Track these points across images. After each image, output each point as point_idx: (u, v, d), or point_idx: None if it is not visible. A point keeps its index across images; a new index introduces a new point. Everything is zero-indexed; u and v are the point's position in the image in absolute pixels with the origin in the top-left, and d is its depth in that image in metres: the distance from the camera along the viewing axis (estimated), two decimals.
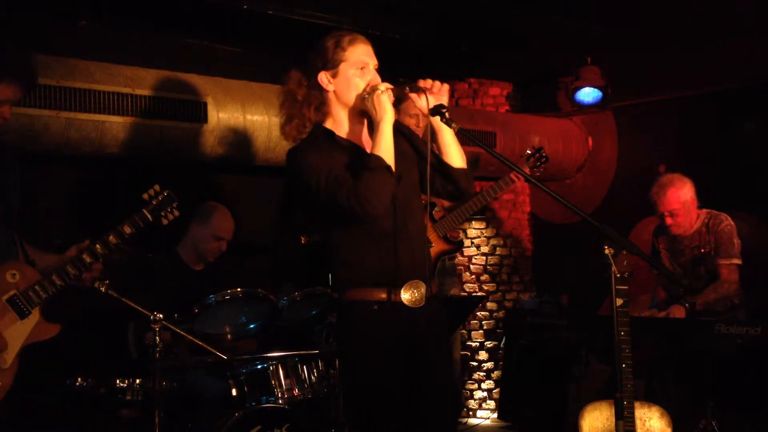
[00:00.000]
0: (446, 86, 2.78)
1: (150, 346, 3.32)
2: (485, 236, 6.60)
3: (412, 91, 2.77)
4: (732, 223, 4.44)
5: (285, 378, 3.88)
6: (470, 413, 6.43)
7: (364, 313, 2.68)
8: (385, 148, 2.65)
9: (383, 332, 2.67)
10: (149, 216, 3.02)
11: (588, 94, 6.01)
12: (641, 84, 6.05)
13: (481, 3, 4.81)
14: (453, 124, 2.73)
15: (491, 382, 6.45)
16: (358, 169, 2.62)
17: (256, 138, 4.72)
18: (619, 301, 2.79)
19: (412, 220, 2.76)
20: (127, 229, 2.98)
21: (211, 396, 3.87)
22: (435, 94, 2.74)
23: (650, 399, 3.43)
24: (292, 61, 2.84)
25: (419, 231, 2.80)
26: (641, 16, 4.99)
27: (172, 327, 3.45)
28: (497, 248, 6.62)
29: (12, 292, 2.81)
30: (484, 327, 6.51)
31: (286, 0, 4.49)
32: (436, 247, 4.53)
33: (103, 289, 3.21)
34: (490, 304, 6.52)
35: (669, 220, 4.47)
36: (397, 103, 2.75)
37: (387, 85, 2.70)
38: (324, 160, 2.66)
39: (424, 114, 4.35)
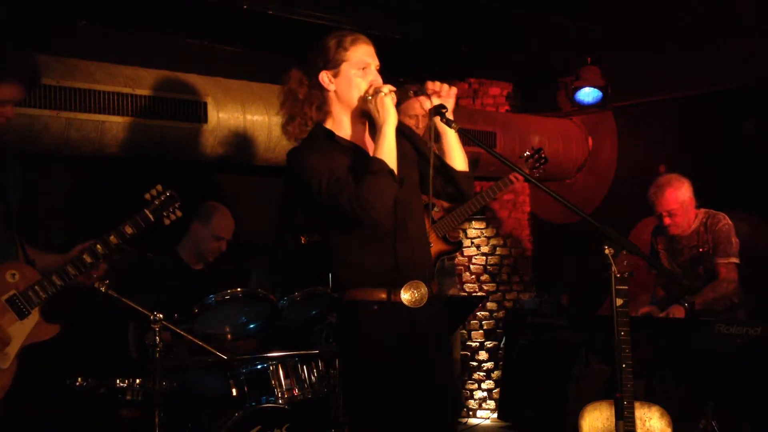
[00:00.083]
0: (454, 89, 2.78)
1: (150, 346, 3.32)
2: (485, 236, 6.60)
3: (417, 94, 2.76)
4: (730, 222, 4.45)
5: (285, 378, 3.88)
6: (470, 413, 6.44)
7: (364, 313, 2.68)
8: (388, 151, 2.64)
9: (383, 332, 2.66)
10: (151, 216, 3.01)
11: (588, 94, 6.01)
12: (641, 84, 6.05)
13: (481, 3, 4.81)
14: (453, 125, 2.73)
15: (491, 382, 6.45)
16: (360, 172, 2.61)
17: (256, 138, 4.72)
18: (619, 301, 2.79)
19: (413, 221, 2.76)
20: (129, 230, 2.97)
21: (211, 396, 3.87)
22: (443, 97, 2.74)
23: (650, 399, 3.43)
24: (292, 61, 2.84)
25: (419, 231, 2.80)
26: (641, 16, 4.99)
27: (172, 327, 3.45)
28: (497, 248, 6.62)
29: (11, 292, 2.80)
30: (484, 327, 6.51)
31: (286, 0, 4.49)
32: (435, 247, 4.53)
33: (103, 289, 3.21)
34: (490, 304, 6.52)
35: (667, 220, 4.47)
36: (397, 104, 2.75)
37: (390, 87, 2.69)
38: (325, 162, 2.65)
39: (424, 115, 4.40)
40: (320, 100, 2.77)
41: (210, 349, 3.59)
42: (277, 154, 4.80)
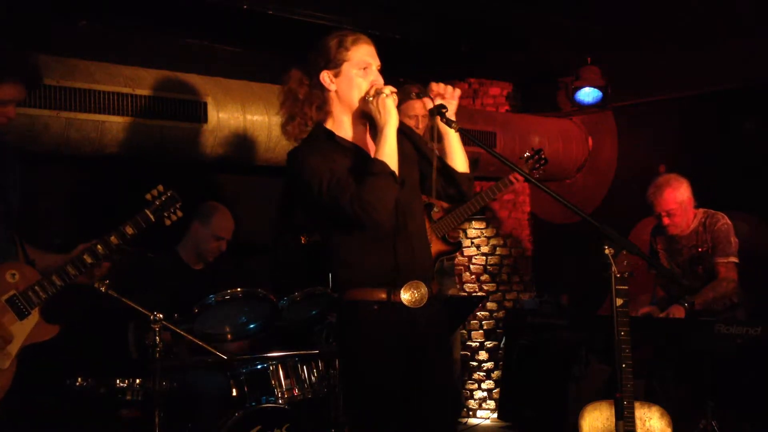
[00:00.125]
0: (458, 91, 2.78)
1: (150, 346, 3.32)
2: (485, 236, 6.60)
3: (419, 96, 2.76)
4: (729, 222, 4.45)
5: (285, 378, 3.88)
6: (470, 413, 6.44)
7: (364, 313, 2.68)
8: (389, 153, 2.63)
9: (383, 332, 2.66)
10: (152, 216, 3.01)
11: (588, 94, 6.01)
12: (641, 84, 6.05)
13: (481, 3, 4.81)
14: (453, 125, 2.73)
15: (491, 382, 6.45)
16: (361, 174, 2.61)
17: (256, 138, 4.72)
18: (619, 301, 2.79)
19: (413, 221, 2.76)
20: (129, 230, 2.97)
21: (211, 396, 3.87)
22: (447, 99, 2.74)
23: (650, 399, 3.44)
24: (292, 61, 2.83)
25: (420, 231, 2.80)
26: (641, 16, 4.99)
27: (172, 327, 3.45)
28: (497, 248, 6.62)
29: (11, 293, 2.80)
30: (484, 327, 6.51)
31: (286, 0, 4.49)
32: (435, 247, 4.52)
33: (103, 289, 3.21)
34: (490, 304, 6.52)
35: (666, 220, 4.48)
36: (398, 104, 2.74)
37: (391, 88, 2.68)
38: (326, 163, 2.64)
39: (424, 115, 4.40)
40: (321, 100, 2.75)
41: (210, 349, 3.59)
42: (277, 154, 4.80)
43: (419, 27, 5.11)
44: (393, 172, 2.62)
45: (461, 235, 6.46)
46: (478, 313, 6.47)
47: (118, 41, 4.72)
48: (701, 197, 4.56)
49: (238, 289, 3.78)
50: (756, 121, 5.56)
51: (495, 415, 6.30)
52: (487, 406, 6.44)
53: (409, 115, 4.24)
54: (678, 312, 4.27)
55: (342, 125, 2.78)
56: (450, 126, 2.73)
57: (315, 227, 2.90)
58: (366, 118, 2.78)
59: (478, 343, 6.49)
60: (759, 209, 5.42)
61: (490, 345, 6.48)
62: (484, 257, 6.58)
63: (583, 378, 4.89)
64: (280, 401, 3.82)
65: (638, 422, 2.99)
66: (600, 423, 3.08)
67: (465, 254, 6.55)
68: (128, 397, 3.65)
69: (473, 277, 6.55)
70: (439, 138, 2.81)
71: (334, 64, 2.71)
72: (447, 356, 2.98)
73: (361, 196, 2.56)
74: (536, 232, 6.83)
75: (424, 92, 2.76)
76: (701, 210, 4.51)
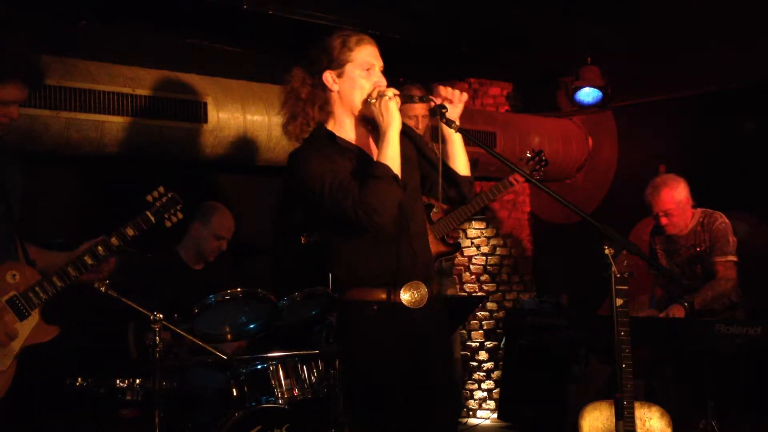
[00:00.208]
0: (465, 95, 2.77)
1: (150, 346, 3.32)
2: (485, 236, 6.60)
3: (422, 100, 2.76)
4: (727, 221, 4.45)
5: (285, 378, 3.88)
6: (470, 413, 6.44)
7: (364, 313, 2.68)
8: (392, 156, 2.62)
9: (383, 332, 2.66)
10: (152, 218, 3.01)
11: (588, 94, 6.01)
12: (641, 84, 6.05)
13: (482, 3, 4.80)
14: (454, 125, 2.72)
15: (491, 382, 6.45)
16: (364, 177, 2.60)
17: (256, 138, 4.72)
18: (619, 301, 2.79)
19: (414, 222, 2.75)
20: (130, 231, 2.97)
21: (211, 396, 3.87)
22: (454, 104, 2.74)
23: (650, 399, 3.43)
24: (292, 61, 2.82)
25: (421, 232, 2.80)
26: (641, 16, 4.98)
27: (172, 327, 3.45)
28: (497, 248, 6.62)
29: (12, 293, 2.80)
30: (484, 327, 6.51)
31: (286, 0, 4.49)
32: (434, 248, 4.50)
33: (103, 289, 3.21)
34: (490, 304, 6.52)
35: (664, 220, 4.48)
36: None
37: (394, 90, 2.67)
38: (327, 165, 2.63)
39: (424, 115, 4.40)
40: (323, 100, 2.74)
41: (210, 349, 3.59)
42: (277, 154, 4.80)
43: (419, 27, 5.11)
44: (396, 176, 2.61)
45: (461, 235, 6.47)
46: (478, 313, 6.47)
47: (118, 41, 4.72)
48: (701, 197, 4.56)
49: (238, 289, 3.78)
50: (756, 121, 5.57)
51: (495, 415, 6.30)
52: (487, 406, 6.44)
53: (409, 116, 4.24)
54: (678, 312, 4.27)
55: (343, 126, 2.77)
56: (450, 126, 2.73)
57: (315, 228, 2.90)
58: (368, 120, 2.76)
59: (478, 343, 6.49)
60: (759, 209, 5.42)
61: (490, 345, 6.48)
62: (484, 257, 6.58)
63: (583, 378, 4.89)
64: (280, 401, 3.82)
65: (638, 422, 2.99)
66: (600, 423, 3.08)
67: (465, 254, 6.55)
68: (128, 397, 3.65)
69: (473, 277, 6.55)
70: (443, 140, 2.81)
71: (338, 64, 2.69)
72: (447, 356, 2.98)
73: (364, 200, 2.55)
74: (536, 232, 6.83)
75: (426, 97, 2.75)
76: (699, 210, 4.52)
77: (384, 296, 2.67)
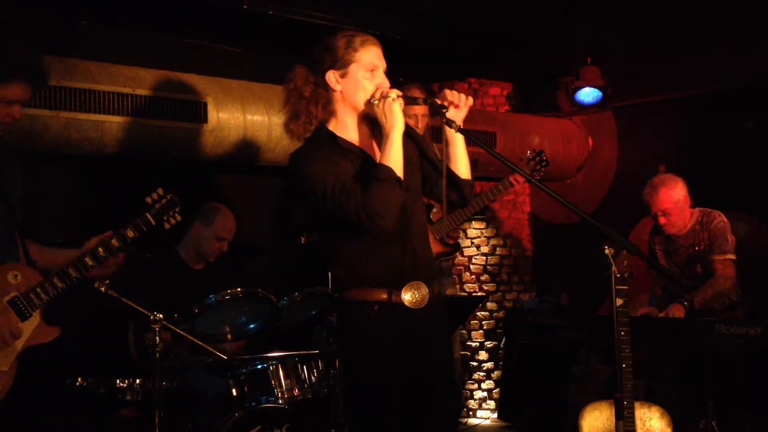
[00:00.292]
0: (470, 100, 2.76)
1: (150, 346, 3.33)
2: (485, 236, 6.60)
3: (425, 102, 2.76)
4: (725, 219, 4.46)
5: (285, 378, 3.88)
6: (470, 413, 6.44)
7: (364, 313, 2.67)
8: (395, 158, 2.62)
9: (383, 332, 2.66)
10: (152, 220, 3.02)
11: (588, 94, 6.01)
12: (641, 84, 6.05)
13: (482, 3, 4.80)
14: (454, 125, 2.72)
15: (491, 382, 6.45)
16: (367, 179, 2.60)
17: (256, 138, 4.72)
18: (619, 301, 2.79)
19: (415, 223, 2.75)
20: (130, 233, 2.98)
21: (211, 396, 3.87)
22: (459, 108, 2.73)
23: (650, 399, 3.43)
24: (292, 61, 2.82)
25: (422, 233, 2.80)
26: (641, 16, 4.98)
27: (172, 327, 3.45)
28: (497, 248, 6.62)
29: (13, 294, 2.79)
30: (484, 327, 6.51)
31: (286, 0, 4.48)
32: (433, 248, 4.52)
33: (103, 289, 3.21)
34: (490, 304, 6.52)
35: (662, 220, 4.48)
36: None
37: (397, 92, 2.66)
38: (330, 167, 2.62)
39: (423, 115, 4.40)
40: (325, 99, 2.73)
41: (210, 349, 3.59)
42: (277, 154, 4.80)
43: (419, 27, 5.11)
44: (399, 178, 2.61)
45: (461, 235, 6.47)
46: (478, 313, 6.47)
47: (118, 41, 4.72)
48: (701, 197, 4.57)
49: (238, 289, 3.78)
50: (756, 121, 5.57)
51: (495, 415, 6.30)
52: (487, 406, 6.44)
53: (409, 115, 4.24)
54: (678, 311, 4.27)
55: (345, 126, 2.76)
56: (450, 126, 2.72)
57: (315, 228, 2.90)
58: (369, 120, 2.76)
59: (478, 343, 6.49)
60: (759, 209, 5.42)
61: (490, 345, 6.48)
62: (484, 257, 6.57)
63: (583, 378, 4.89)
64: (280, 401, 3.82)
65: (638, 422, 2.99)
66: (600, 423, 3.08)
67: (465, 254, 6.55)
68: (128, 397, 3.65)
69: (473, 277, 6.55)
70: (446, 143, 2.80)
71: (342, 64, 2.68)
72: (447, 356, 2.98)
73: (367, 202, 2.55)
74: (536, 232, 6.83)
75: (430, 101, 2.75)
76: (697, 209, 4.52)
77: (385, 296, 2.66)
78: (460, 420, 6.18)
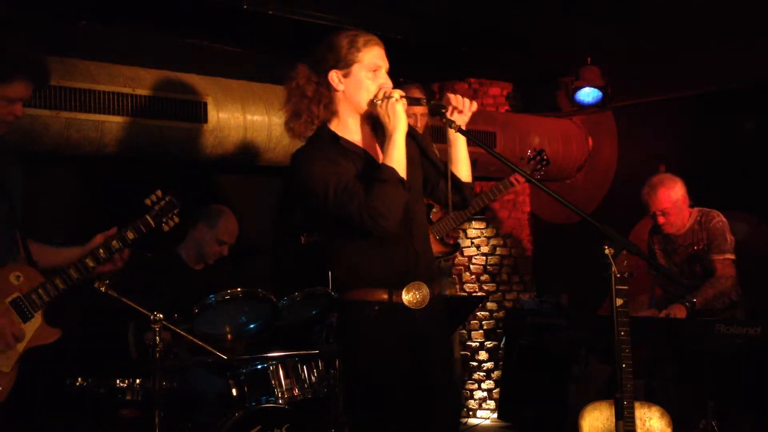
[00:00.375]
0: (474, 104, 2.76)
1: (150, 346, 3.33)
2: (485, 236, 6.60)
3: (428, 103, 2.75)
4: (724, 219, 4.46)
5: (285, 378, 3.88)
6: (470, 413, 6.44)
7: (365, 313, 2.67)
8: (398, 159, 2.61)
9: (384, 332, 2.66)
10: (152, 222, 3.03)
11: (588, 94, 6.01)
12: (641, 84, 6.05)
13: (482, 3, 4.80)
14: (453, 125, 2.72)
15: (491, 382, 6.45)
16: (369, 179, 2.59)
17: (256, 138, 4.72)
18: (619, 301, 2.79)
19: (416, 223, 2.75)
20: (130, 234, 2.99)
21: (211, 396, 3.87)
22: (463, 113, 2.73)
23: (650, 399, 3.43)
24: (291, 61, 2.81)
25: (423, 233, 2.79)
26: (641, 16, 4.98)
27: (172, 327, 3.45)
28: (497, 248, 6.62)
29: (15, 295, 2.79)
30: (484, 327, 6.51)
31: (286, 0, 4.48)
32: (433, 248, 4.53)
33: (103, 289, 3.22)
34: (490, 304, 6.52)
35: (661, 219, 4.49)
36: None
37: (400, 92, 2.66)
38: (332, 167, 2.62)
39: (422, 114, 4.40)
40: (327, 98, 2.72)
41: (210, 349, 3.59)
42: (277, 154, 4.80)
43: (419, 27, 5.11)
44: (402, 179, 2.60)
45: (461, 235, 6.47)
46: (478, 313, 6.47)
47: (118, 41, 4.72)
48: (701, 197, 4.57)
49: (238, 289, 3.79)
50: (756, 121, 5.56)
51: (495, 415, 6.30)
52: (487, 406, 6.44)
53: (408, 114, 4.20)
54: (679, 311, 4.27)
55: (347, 126, 2.75)
56: (450, 126, 2.72)
57: (316, 228, 2.90)
58: (371, 120, 2.75)
59: (478, 343, 6.49)
60: (759, 209, 5.42)
61: (490, 345, 6.48)
62: (484, 257, 6.57)
63: (583, 378, 4.89)
64: (280, 401, 3.82)
65: (638, 422, 2.99)
66: (600, 423, 3.08)
67: (465, 254, 6.55)
68: (128, 397, 3.65)
69: (473, 277, 6.55)
70: (448, 145, 2.80)
71: (345, 64, 2.67)
72: (448, 356, 2.98)
73: (370, 203, 2.54)
74: (536, 232, 6.83)
75: (433, 99, 2.75)
76: (696, 209, 4.53)
77: (385, 297, 2.66)
78: (460, 420, 6.18)
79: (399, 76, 3.01)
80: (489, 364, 6.47)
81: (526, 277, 6.76)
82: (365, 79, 2.68)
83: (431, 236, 4.51)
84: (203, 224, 4.27)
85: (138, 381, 3.65)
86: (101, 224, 3.03)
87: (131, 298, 3.34)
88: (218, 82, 4.67)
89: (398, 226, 2.64)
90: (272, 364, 3.87)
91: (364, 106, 2.71)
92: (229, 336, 3.98)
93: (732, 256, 4.40)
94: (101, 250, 2.93)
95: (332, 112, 2.74)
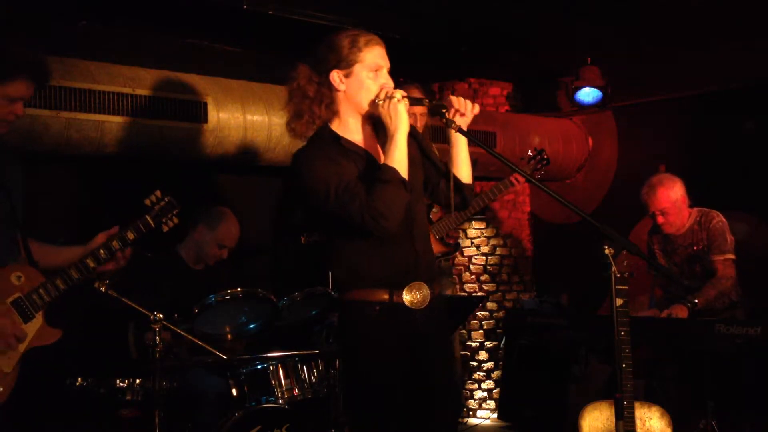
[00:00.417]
0: (477, 107, 2.75)
1: (150, 346, 3.33)
2: (485, 236, 6.60)
3: (430, 104, 2.75)
4: (723, 219, 4.46)
5: (285, 378, 3.88)
6: (470, 413, 6.43)
7: (365, 313, 2.67)
8: (400, 159, 2.61)
9: (384, 333, 2.66)
10: (152, 222, 3.03)
11: (588, 94, 6.01)
12: (641, 84, 6.05)
13: (482, 3, 4.81)
14: (453, 125, 2.72)
15: (491, 382, 6.45)
16: (370, 180, 2.59)
17: (256, 138, 4.71)
18: (619, 301, 2.79)
19: (417, 223, 2.74)
20: (131, 235, 2.99)
21: (211, 396, 3.87)
22: (465, 115, 2.73)
23: (650, 399, 3.43)
24: (291, 61, 2.81)
25: (423, 233, 2.79)
26: (641, 16, 4.98)
27: (172, 327, 3.45)
28: (497, 248, 6.62)
29: (16, 295, 2.79)
30: (484, 327, 6.51)
31: (286, 0, 4.49)
32: (433, 248, 4.53)
33: (103, 289, 3.22)
34: (490, 304, 6.52)
35: (660, 219, 4.49)
36: None
37: (402, 92, 2.65)
38: (333, 168, 2.62)
39: (422, 114, 4.40)
40: (329, 99, 2.71)
41: (210, 349, 3.59)
42: (277, 154, 4.80)
43: (419, 27, 5.11)
44: (404, 180, 2.60)
45: (461, 235, 6.47)
46: (478, 313, 6.47)
47: (118, 41, 4.72)
48: (701, 197, 4.57)
49: (238, 289, 3.79)
50: (756, 121, 5.57)
51: (495, 415, 6.30)
52: (487, 406, 6.44)
53: (407, 114, 4.24)
54: (681, 312, 4.27)
55: (348, 127, 2.75)
56: (450, 127, 2.72)
57: (316, 228, 2.90)
58: (372, 121, 2.75)
59: (478, 343, 6.49)
60: (759, 209, 5.42)
61: (490, 345, 6.48)
62: (484, 257, 6.57)
63: (583, 378, 4.89)
64: (280, 401, 3.82)
65: (638, 422, 2.99)
66: (600, 423, 3.08)
67: (465, 254, 6.55)
68: (128, 397, 3.65)
69: (473, 277, 6.55)
70: (450, 145, 2.80)
71: (346, 64, 2.67)
72: (448, 357, 2.98)
73: (372, 204, 2.54)
74: (536, 232, 6.83)
75: (436, 100, 2.75)
76: (696, 209, 4.53)
77: (386, 297, 2.66)
78: (460, 420, 6.18)
79: (399, 76, 3.01)
80: (489, 364, 6.47)
81: (526, 277, 6.76)
82: (367, 79, 2.68)
83: (431, 236, 4.51)
84: (204, 226, 4.27)
85: (138, 381, 3.65)
86: (101, 224, 3.02)
87: (131, 298, 3.34)
88: (218, 82, 4.67)
89: (399, 226, 2.64)
90: (272, 364, 3.87)
91: (366, 107, 2.70)
92: (229, 336, 3.98)
93: (733, 256, 4.40)
94: (102, 251, 2.93)
95: (333, 112, 2.74)
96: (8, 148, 3.00)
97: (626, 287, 2.78)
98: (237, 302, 3.85)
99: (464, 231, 6.52)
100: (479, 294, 6.45)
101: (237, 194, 5.12)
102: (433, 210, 4.60)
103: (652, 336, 4.21)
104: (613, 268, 2.73)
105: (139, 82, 4.30)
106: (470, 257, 6.57)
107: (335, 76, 2.68)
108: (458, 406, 6.06)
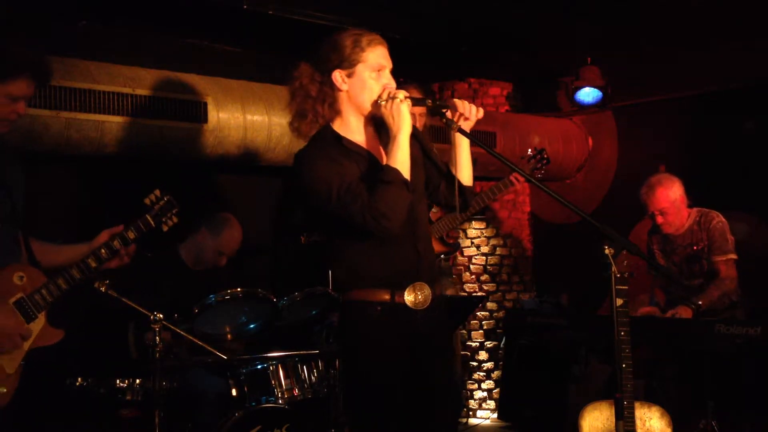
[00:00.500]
0: (481, 111, 2.75)
1: (150, 346, 3.32)
2: (485, 236, 6.60)
3: (432, 104, 2.75)
4: (723, 219, 4.46)
5: (285, 378, 3.88)
6: (470, 413, 6.43)
7: (366, 313, 2.67)
8: (402, 160, 2.60)
9: (385, 333, 2.65)
10: (152, 222, 3.03)
11: (588, 94, 6.01)
12: (641, 84, 6.05)
13: (482, 3, 4.80)
14: (453, 125, 2.72)
15: (491, 382, 6.45)
16: (372, 181, 2.59)
17: (256, 138, 4.71)
18: (619, 301, 2.79)
19: (418, 224, 2.74)
20: (131, 234, 2.99)
21: (211, 396, 3.87)
22: (469, 119, 2.72)
23: (650, 399, 3.43)
24: (292, 61, 2.81)
25: (424, 233, 2.79)
26: (641, 16, 4.98)
27: (172, 327, 3.45)
28: (497, 248, 6.62)
29: (19, 295, 2.78)
30: (484, 327, 6.51)
31: (286, 0, 4.48)
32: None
33: (103, 289, 3.22)
34: (490, 304, 6.52)
35: (660, 219, 4.49)
36: None
37: (404, 92, 2.65)
38: (335, 168, 2.61)
39: (421, 114, 4.40)
40: (331, 98, 2.71)
41: (210, 349, 3.59)
42: (277, 154, 4.80)
43: (419, 27, 5.11)
44: (406, 181, 2.59)
45: (461, 235, 6.47)
46: (478, 313, 6.47)
47: (118, 41, 4.72)
48: (701, 197, 4.57)
49: (238, 289, 3.79)
50: (756, 121, 5.57)
51: (495, 415, 6.30)
52: (487, 406, 6.44)
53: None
54: (685, 313, 4.27)
55: (350, 127, 2.74)
56: (450, 127, 2.72)
57: (316, 228, 2.89)
58: (374, 121, 2.75)
59: (478, 343, 6.49)
60: (759, 209, 5.42)
61: (490, 345, 6.48)
62: (484, 257, 6.57)
63: (583, 378, 4.89)
64: (280, 401, 3.82)
65: (638, 422, 2.99)
66: (600, 423, 3.08)
67: (465, 254, 6.55)
68: (128, 397, 3.65)
69: (473, 277, 6.55)
70: (452, 146, 2.80)
71: (349, 63, 2.66)
72: (448, 357, 2.98)
73: (374, 204, 2.53)
74: (536, 232, 6.83)
75: (438, 100, 2.74)
76: (695, 209, 4.53)
77: (387, 297, 2.66)
78: (460, 420, 6.18)
79: (399, 76, 3.01)
80: (489, 364, 6.47)
81: (526, 277, 6.76)
82: (369, 79, 2.67)
83: (431, 236, 4.51)
84: (207, 230, 4.27)
85: (138, 381, 3.65)
86: (101, 224, 3.02)
87: (131, 298, 3.34)
88: (218, 82, 4.67)
89: (401, 227, 2.64)
90: (272, 364, 3.87)
91: (368, 107, 2.70)
92: (229, 336, 3.98)
93: (734, 256, 4.40)
94: (103, 250, 2.93)
95: (336, 112, 2.73)
96: (9, 148, 3.00)
97: (626, 287, 2.78)
98: (237, 302, 3.85)
99: (464, 231, 6.52)
100: (479, 294, 6.45)
101: (237, 194, 5.12)
102: (433, 210, 4.60)
103: (652, 336, 4.21)
104: (613, 268, 2.73)
105: (139, 82, 4.30)
106: (470, 257, 6.57)
107: (338, 75, 2.68)
108: (458, 406, 6.06)
